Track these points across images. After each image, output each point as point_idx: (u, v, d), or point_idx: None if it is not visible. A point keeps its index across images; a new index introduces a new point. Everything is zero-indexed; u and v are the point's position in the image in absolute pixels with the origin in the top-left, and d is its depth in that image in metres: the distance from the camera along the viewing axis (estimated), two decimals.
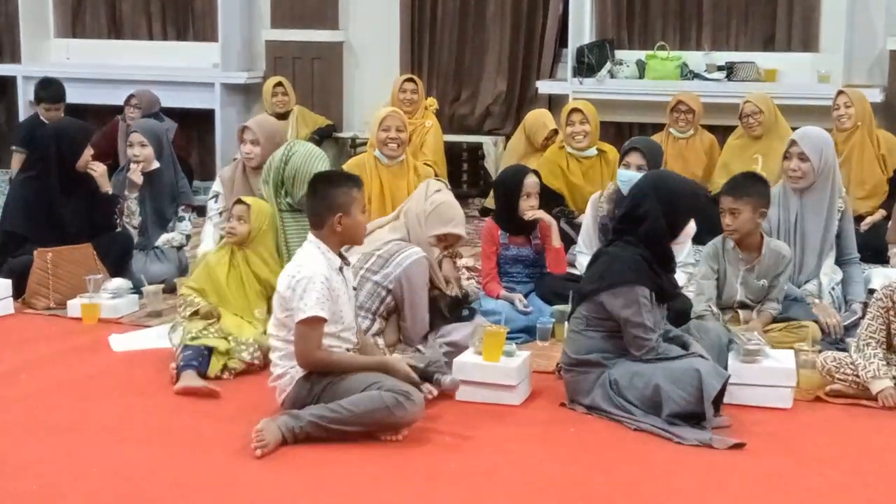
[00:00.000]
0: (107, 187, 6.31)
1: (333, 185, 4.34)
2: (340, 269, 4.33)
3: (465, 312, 5.08)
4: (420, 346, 4.80)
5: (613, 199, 5.95)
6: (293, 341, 4.22)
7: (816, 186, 5.48)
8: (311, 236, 4.35)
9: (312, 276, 4.17)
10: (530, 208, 5.76)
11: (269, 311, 4.83)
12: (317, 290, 4.15)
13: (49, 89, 8.49)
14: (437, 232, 4.94)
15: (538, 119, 7.97)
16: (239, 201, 5.20)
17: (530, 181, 5.77)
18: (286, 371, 4.29)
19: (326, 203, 4.29)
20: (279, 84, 8.90)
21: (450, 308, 4.91)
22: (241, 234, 5.14)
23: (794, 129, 7.57)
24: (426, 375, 4.36)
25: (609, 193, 6.02)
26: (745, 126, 7.48)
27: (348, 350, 4.34)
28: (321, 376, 4.22)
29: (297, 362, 4.23)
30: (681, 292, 4.91)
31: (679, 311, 4.92)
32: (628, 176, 5.73)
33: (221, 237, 5.51)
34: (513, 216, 5.77)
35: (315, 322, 4.16)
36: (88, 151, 6.19)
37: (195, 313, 4.99)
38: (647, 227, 4.42)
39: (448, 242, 5.03)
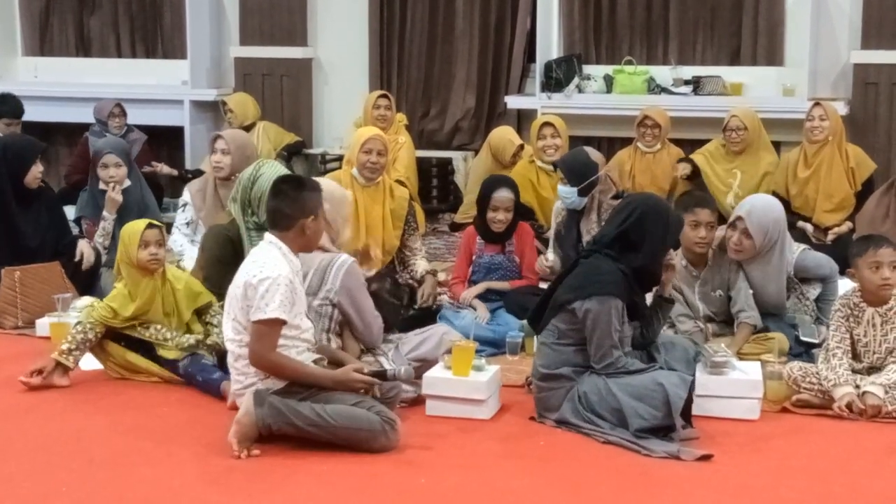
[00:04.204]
0: None
1: (305, 188, 4.40)
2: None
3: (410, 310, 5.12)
4: (383, 350, 4.78)
5: (561, 212, 6.16)
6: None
7: (758, 259, 5.31)
8: (269, 237, 4.36)
9: (277, 277, 4.18)
10: (497, 222, 5.80)
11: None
12: (281, 293, 4.16)
13: (9, 104, 8.44)
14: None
15: (503, 137, 7.98)
16: (151, 225, 5.14)
17: (498, 195, 5.81)
18: (253, 383, 4.25)
19: (299, 205, 4.33)
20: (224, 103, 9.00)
21: (391, 293, 4.85)
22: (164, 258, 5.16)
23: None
24: (380, 375, 4.36)
25: (557, 209, 6.25)
26: (728, 139, 7.50)
27: (308, 350, 4.35)
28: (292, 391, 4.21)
29: (250, 360, 4.21)
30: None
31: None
32: (563, 191, 5.99)
33: (192, 242, 5.89)
34: (486, 225, 5.84)
35: (275, 324, 4.17)
36: (37, 168, 6.18)
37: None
38: (647, 248, 4.45)
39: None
